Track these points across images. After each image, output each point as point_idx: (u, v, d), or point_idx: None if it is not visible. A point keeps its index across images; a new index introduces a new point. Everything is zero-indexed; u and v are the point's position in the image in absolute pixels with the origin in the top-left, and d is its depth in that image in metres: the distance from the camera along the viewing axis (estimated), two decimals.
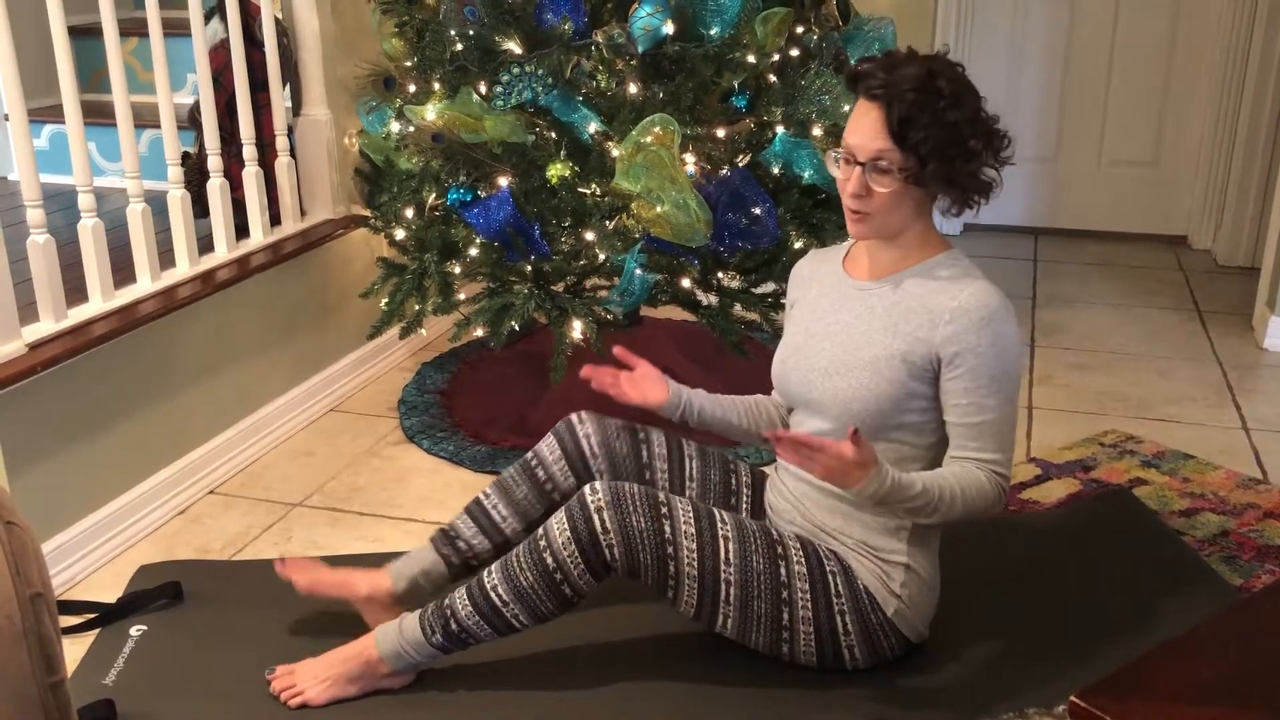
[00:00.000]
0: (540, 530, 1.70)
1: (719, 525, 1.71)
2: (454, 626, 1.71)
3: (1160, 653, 1.37)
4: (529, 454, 1.91)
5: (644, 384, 1.86)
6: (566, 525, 1.67)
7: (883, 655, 1.76)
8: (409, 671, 1.77)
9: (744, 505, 1.91)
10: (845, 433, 1.58)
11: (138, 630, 1.95)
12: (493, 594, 1.69)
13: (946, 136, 1.60)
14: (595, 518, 1.66)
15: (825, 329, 1.76)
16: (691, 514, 1.70)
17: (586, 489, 1.69)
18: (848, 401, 1.69)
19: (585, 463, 1.89)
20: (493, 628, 1.71)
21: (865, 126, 1.62)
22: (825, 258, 1.88)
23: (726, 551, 1.69)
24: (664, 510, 1.69)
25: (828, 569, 1.72)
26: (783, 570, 1.71)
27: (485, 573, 1.72)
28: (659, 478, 1.90)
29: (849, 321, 1.74)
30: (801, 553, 1.73)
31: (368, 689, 1.76)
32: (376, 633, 1.76)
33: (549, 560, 1.67)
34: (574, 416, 1.92)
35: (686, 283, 2.47)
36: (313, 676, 1.75)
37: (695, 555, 1.68)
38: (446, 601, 1.72)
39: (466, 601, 1.71)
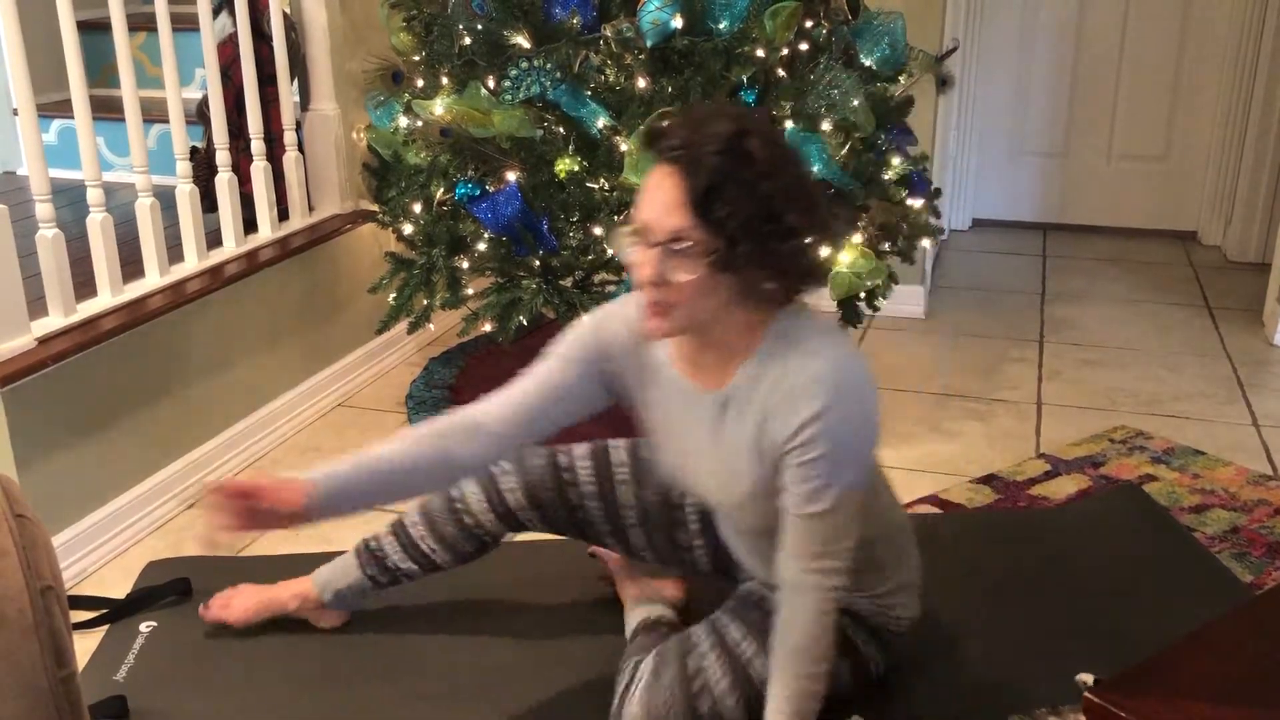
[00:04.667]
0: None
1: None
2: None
3: (1174, 649, 1.36)
4: (453, 495, 1.84)
5: (279, 495, 1.48)
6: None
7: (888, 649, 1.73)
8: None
9: (689, 521, 1.81)
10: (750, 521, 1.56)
11: (147, 626, 1.95)
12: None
13: (758, 211, 1.33)
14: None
15: (696, 451, 1.55)
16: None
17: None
18: (746, 525, 1.59)
19: (514, 515, 1.83)
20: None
21: (659, 198, 1.34)
22: (632, 328, 1.53)
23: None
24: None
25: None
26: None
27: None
28: (594, 516, 1.81)
29: (715, 448, 1.52)
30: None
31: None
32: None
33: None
34: (495, 469, 1.82)
35: None
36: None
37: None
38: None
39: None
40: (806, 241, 1.38)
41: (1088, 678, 1.65)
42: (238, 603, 1.92)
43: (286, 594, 1.92)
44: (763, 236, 1.34)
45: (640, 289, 1.40)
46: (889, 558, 1.67)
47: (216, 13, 2.72)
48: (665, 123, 1.39)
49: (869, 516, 1.53)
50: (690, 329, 1.44)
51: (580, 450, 1.84)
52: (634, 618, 1.83)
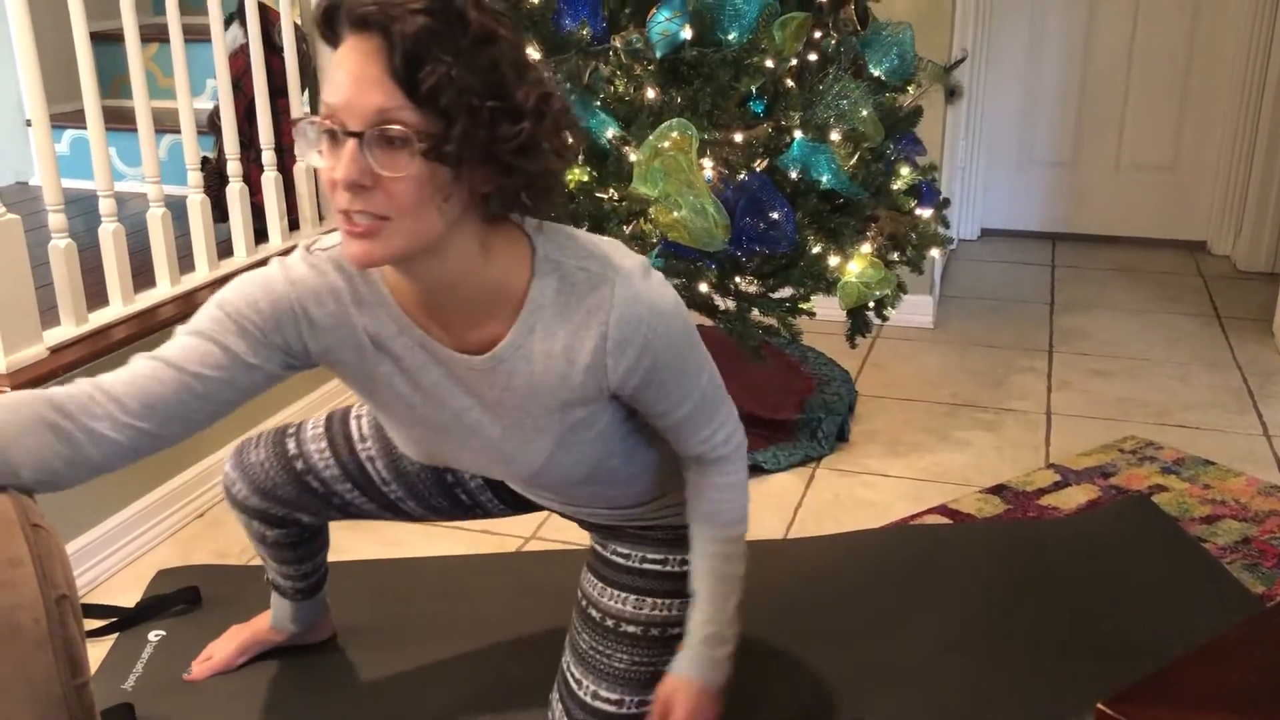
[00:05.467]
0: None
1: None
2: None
3: (1186, 661, 1.36)
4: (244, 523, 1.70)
5: None
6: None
7: None
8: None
9: (465, 478, 1.61)
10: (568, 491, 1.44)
11: (156, 635, 1.96)
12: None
13: (478, 83, 1.04)
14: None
15: (461, 428, 1.31)
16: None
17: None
18: (559, 489, 1.44)
19: (271, 515, 1.64)
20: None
21: (352, 74, 1.04)
22: (350, 289, 1.23)
23: None
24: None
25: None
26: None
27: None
28: (351, 499, 1.62)
29: (491, 420, 1.30)
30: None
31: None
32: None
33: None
34: (225, 479, 1.64)
35: (704, 287, 2.46)
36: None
37: None
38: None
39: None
40: (538, 130, 1.10)
41: None
42: (219, 654, 1.85)
43: (263, 633, 1.86)
44: (487, 115, 1.05)
45: (335, 199, 1.08)
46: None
47: (228, 24, 2.74)
48: None
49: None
50: (410, 254, 1.11)
51: (311, 430, 1.61)
52: None
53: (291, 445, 1.60)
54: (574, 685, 1.53)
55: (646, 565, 1.53)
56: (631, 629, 1.51)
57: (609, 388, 1.26)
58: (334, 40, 1.08)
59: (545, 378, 1.25)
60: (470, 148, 1.06)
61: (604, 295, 1.20)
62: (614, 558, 1.55)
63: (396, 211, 1.06)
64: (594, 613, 1.54)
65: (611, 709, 1.50)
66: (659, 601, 1.52)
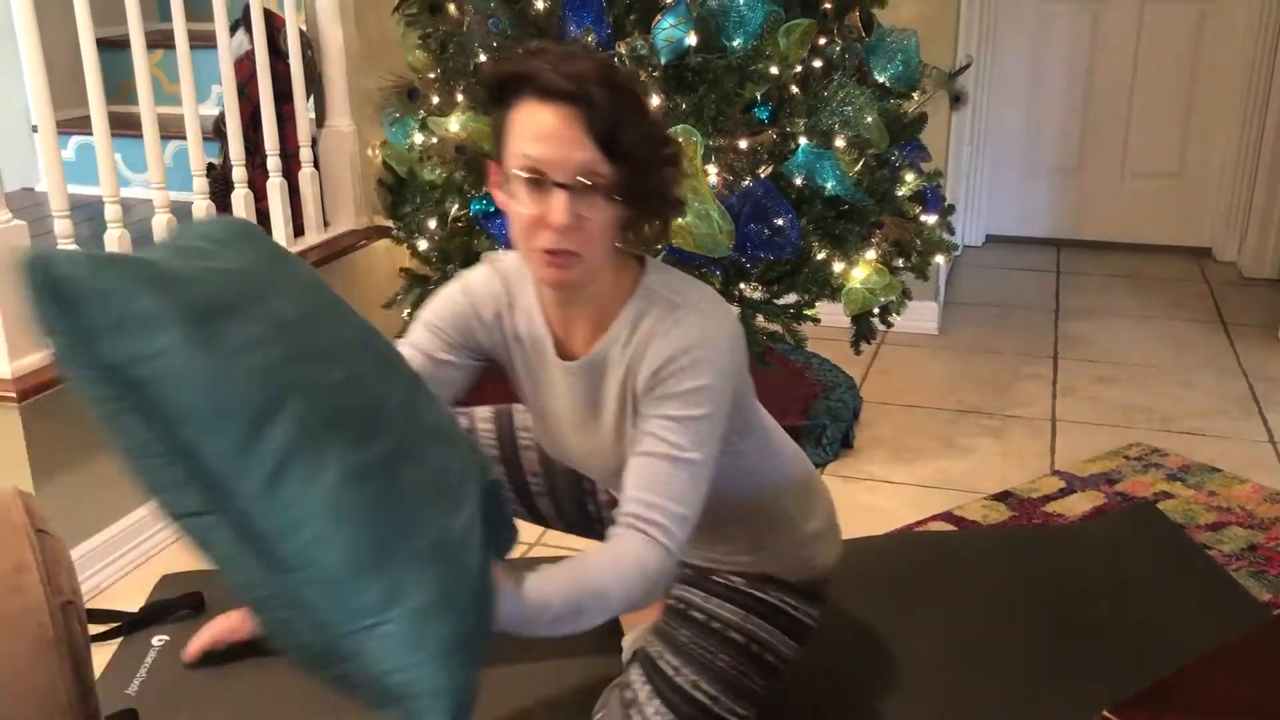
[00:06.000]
0: None
1: None
2: None
3: (1192, 668, 1.35)
4: None
5: None
6: None
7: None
8: None
9: (598, 490, 1.74)
10: None
11: (160, 640, 1.96)
12: None
13: (653, 141, 1.32)
14: None
15: (570, 425, 1.49)
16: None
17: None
18: None
19: None
20: None
21: (559, 133, 1.24)
22: (508, 295, 1.47)
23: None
24: None
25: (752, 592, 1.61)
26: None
27: None
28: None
29: (588, 422, 1.46)
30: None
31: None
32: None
33: None
34: None
35: None
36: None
37: None
38: None
39: None
40: (681, 171, 1.40)
41: None
42: (216, 625, 1.87)
43: (244, 623, 1.85)
44: (659, 163, 1.32)
45: (537, 238, 1.28)
46: (796, 508, 1.63)
47: (233, 30, 2.75)
48: (521, 63, 1.27)
49: (766, 471, 1.57)
50: (590, 278, 1.34)
51: (482, 412, 1.79)
52: (631, 642, 1.80)
53: (464, 421, 1.76)
54: (670, 672, 1.56)
55: (748, 589, 1.61)
56: (737, 637, 1.58)
57: (642, 385, 1.35)
58: (505, 100, 1.28)
59: (615, 385, 1.40)
60: (656, 194, 1.32)
61: (673, 315, 1.35)
62: (716, 579, 1.62)
63: (588, 246, 1.29)
64: (697, 615, 1.59)
65: (708, 702, 1.54)
66: (760, 622, 1.59)
